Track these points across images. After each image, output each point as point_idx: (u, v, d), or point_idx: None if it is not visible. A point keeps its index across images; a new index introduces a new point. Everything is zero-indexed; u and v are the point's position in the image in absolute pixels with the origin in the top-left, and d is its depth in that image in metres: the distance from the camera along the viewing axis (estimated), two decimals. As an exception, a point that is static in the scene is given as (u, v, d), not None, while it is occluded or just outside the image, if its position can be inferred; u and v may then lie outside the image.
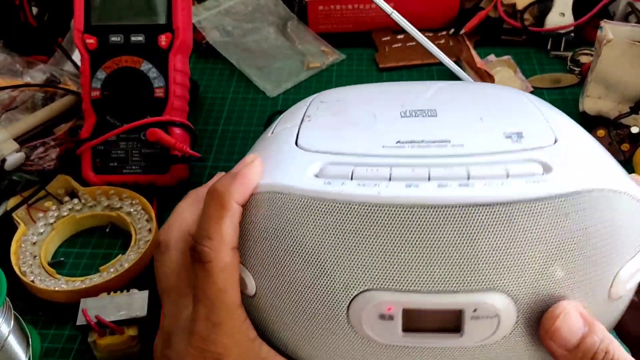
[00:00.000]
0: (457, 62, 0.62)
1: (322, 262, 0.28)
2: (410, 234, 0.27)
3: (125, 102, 0.52)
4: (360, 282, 0.27)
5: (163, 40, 0.52)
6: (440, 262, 0.26)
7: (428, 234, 0.26)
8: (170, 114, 0.52)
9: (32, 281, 0.45)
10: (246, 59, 0.68)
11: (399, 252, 0.27)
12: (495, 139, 0.31)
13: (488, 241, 0.26)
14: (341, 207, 0.27)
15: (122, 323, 0.39)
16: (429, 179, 0.28)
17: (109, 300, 0.41)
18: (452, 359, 0.29)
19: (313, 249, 0.28)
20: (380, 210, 0.27)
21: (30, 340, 0.41)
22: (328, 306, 0.28)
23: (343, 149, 0.31)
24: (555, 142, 0.30)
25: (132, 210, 0.50)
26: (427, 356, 0.29)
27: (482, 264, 0.26)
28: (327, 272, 0.28)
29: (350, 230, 0.27)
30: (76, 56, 0.63)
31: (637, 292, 0.32)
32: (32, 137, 0.54)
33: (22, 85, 0.58)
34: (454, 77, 0.59)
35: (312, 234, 0.28)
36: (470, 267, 0.26)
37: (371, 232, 0.27)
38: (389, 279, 0.27)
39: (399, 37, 0.71)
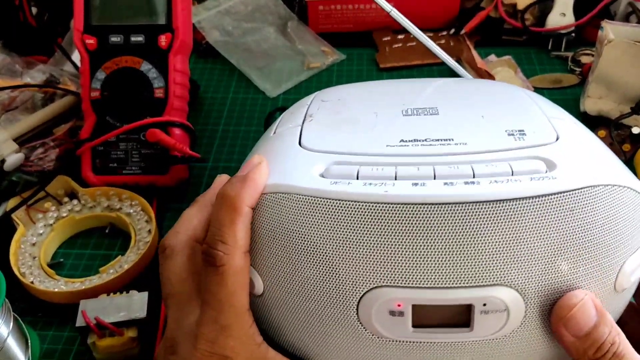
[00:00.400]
0: (458, 62, 0.62)
1: (331, 261, 0.28)
2: (418, 231, 0.27)
3: (125, 102, 0.52)
4: (369, 279, 0.27)
5: (163, 40, 0.52)
6: (449, 259, 0.27)
7: (436, 231, 0.27)
8: (170, 114, 0.52)
9: (32, 282, 0.45)
10: (246, 59, 0.68)
11: (407, 249, 0.27)
12: (498, 137, 0.31)
13: (495, 237, 0.27)
14: (348, 206, 0.28)
15: (122, 324, 0.39)
16: (434, 177, 0.28)
17: (109, 302, 0.40)
18: (461, 354, 0.29)
19: (321, 248, 0.28)
20: (388, 208, 0.27)
21: (29, 341, 0.41)
22: (338, 304, 0.28)
23: (347, 149, 0.31)
24: (557, 139, 0.31)
25: (131, 211, 0.50)
26: (436, 351, 0.29)
27: (490, 259, 0.27)
28: (336, 270, 0.28)
29: (359, 228, 0.27)
30: (76, 56, 0.63)
31: (636, 296, 0.32)
32: (32, 137, 0.54)
33: (22, 85, 0.58)
34: (454, 76, 0.59)
35: (320, 234, 0.28)
36: (478, 263, 0.27)
37: (379, 230, 0.27)
38: (398, 276, 0.27)
39: (400, 37, 0.71)
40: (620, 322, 0.31)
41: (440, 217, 0.27)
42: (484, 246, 0.27)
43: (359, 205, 0.27)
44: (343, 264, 0.28)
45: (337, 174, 0.29)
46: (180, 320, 0.31)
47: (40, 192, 0.50)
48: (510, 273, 0.27)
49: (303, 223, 0.28)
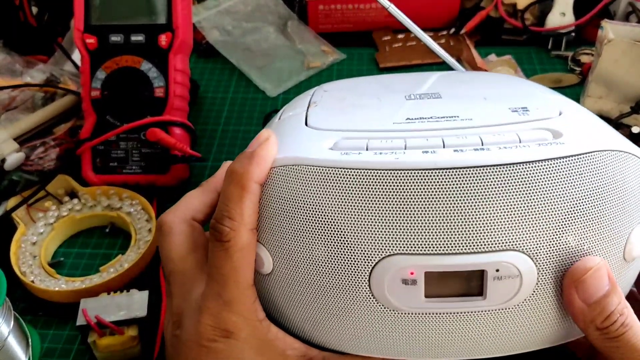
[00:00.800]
0: (458, 62, 0.62)
1: (342, 231, 0.28)
2: (430, 197, 0.27)
3: (125, 102, 0.52)
4: (381, 248, 0.27)
5: (163, 40, 0.52)
6: (460, 224, 0.27)
7: (447, 197, 0.27)
8: (170, 113, 0.52)
9: (32, 281, 0.45)
10: (246, 58, 0.68)
11: (418, 216, 0.27)
12: (502, 113, 0.31)
13: (506, 202, 0.27)
14: (360, 174, 0.28)
15: (122, 323, 0.39)
16: (444, 146, 0.28)
17: (109, 301, 0.41)
18: (474, 325, 0.29)
19: (333, 219, 0.28)
20: (399, 175, 0.27)
21: (30, 340, 0.41)
22: (350, 276, 0.28)
23: (354, 127, 0.31)
24: (560, 114, 0.31)
25: (132, 210, 0.50)
26: (449, 323, 0.29)
27: (502, 224, 0.27)
28: (347, 240, 0.28)
29: (370, 197, 0.27)
30: (76, 56, 0.63)
31: (636, 285, 0.32)
32: (32, 137, 0.54)
33: (22, 85, 0.58)
34: (454, 76, 0.59)
35: (331, 204, 0.28)
36: (490, 228, 0.27)
37: (390, 197, 0.27)
38: (410, 244, 0.27)
39: (399, 36, 0.71)
40: None
41: (451, 182, 0.27)
42: (496, 211, 0.27)
43: (371, 173, 0.27)
44: (355, 233, 0.28)
45: (346, 146, 0.29)
46: (185, 295, 0.31)
47: (40, 191, 0.50)
48: (522, 238, 0.27)
49: (313, 194, 0.28)
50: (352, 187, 0.28)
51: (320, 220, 0.28)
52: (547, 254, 0.27)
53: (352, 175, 0.28)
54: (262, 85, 0.65)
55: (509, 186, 0.27)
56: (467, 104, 0.33)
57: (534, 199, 0.27)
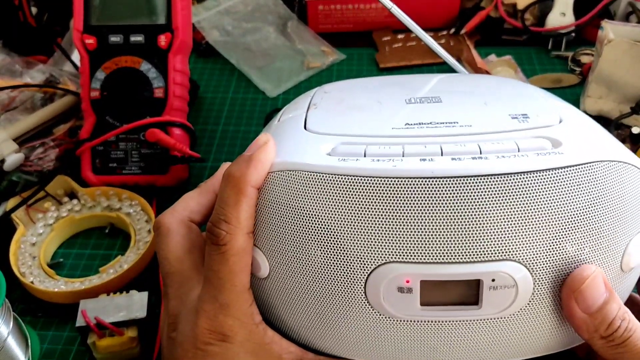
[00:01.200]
0: (458, 62, 0.62)
1: (339, 238, 0.28)
2: (427, 205, 0.27)
3: (125, 102, 0.52)
4: (377, 255, 0.27)
5: (162, 40, 0.52)
6: (457, 233, 0.27)
7: (444, 205, 0.27)
8: (170, 114, 0.52)
9: (32, 282, 0.45)
10: (246, 58, 0.68)
11: (416, 224, 0.27)
12: (502, 120, 0.31)
13: (503, 212, 0.27)
14: (357, 181, 0.28)
15: (122, 324, 0.39)
16: (441, 154, 0.28)
17: (109, 302, 0.40)
18: (469, 334, 0.29)
19: (329, 225, 0.28)
20: (397, 183, 0.27)
21: (29, 341, 0.41)
22: (345, 282, 0.28)
23: (353, 131, 0.31)
24: (561, 121, 0.31)
25: (131, 211, 0.50)
26: (444, 331, 0.29)
27: (499, 233, 0.27)
28: (344, 247, 0.28)
29: (367, 204, 0.27)
30: (75, 56, 0.63)
31: (637, 286, 0.32)
32: (32, 137, 0.54)
33: (22, 85, 0.58)
34: (454, 77, 0.59)
35: (328, 210, 0.28)
36: (487, 237, 0.27)
37: (388, 205, 0.27)
38: (406, 251, 0.27)
39: (399, 37, 0.71)
40: None
41: (448, 190, 0.27)
42: (493, 220, 0.27)
43: (368, 180, 0.27)
44: (351, 240, 0.28)
45: (344, 152, 0.29)
46: (182, 297, 0.31)
47: (40, 192, 0.50)
48: (518, 248, 0.27)
49: (311, 200, 0.28)
50: (349, 194, 0.28)
51: (317, 226, 0.28)
52: (544, 264, 0.27)
53: (349, 182, 0.28)
54: (262, 86, 0.65)
55: (506, 196, 0.27)
56: (467, 109, 0.33)
57: (530, 210, 0.27)
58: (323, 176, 0.28)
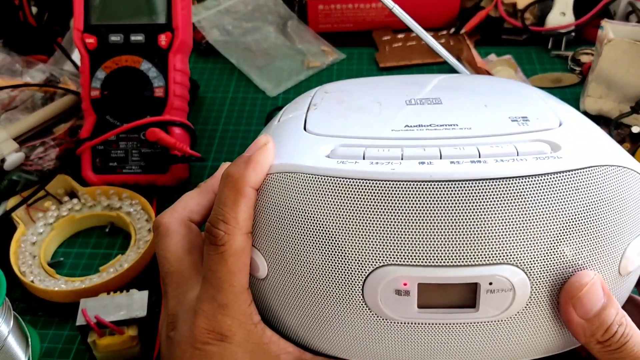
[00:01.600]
0: (458, 62, 0.62)
1: (337, 240, 0.28)
2: (425, 209, 0.27)
3: (125, 101, 0.52)
4: (375, 258, 0.27)
5: (163, 39, 0.52)
6: (455, 236, 0.27)
7: (442, 209, 0.27)
8: (170, 113, 0.52)
9: (32, 281, 0.45)
10: (246, 58, 0.68)
11: (414, 227, 0.27)
12: (502, 123, 0.31)
13: (501, 215, 0.27)
14: (355, 184, 0.28)
15: (122, 323, 0.39)
16: (440, 157, 0.28)
17: (109, 301, 0.40)
18: (465, 337, 0.29)
19: (327, 227, 0.28)
20: (395, 186, 0.27)
21: (29, 340, 0.41)
22: (343, 284, 0.28)
23: (352, 133, 0.31)
24: (560, 125, 0.31)
25: (131, 210, 0.50)
26: (441, 334, 0.29)
27: (496, 237, 0.27)
28: (342, 249, 0.28)
29: (365, 206, 0.27)
30: (76, 56, 0.63)
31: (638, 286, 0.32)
32: (32, 137, 0.54)
33: (22, 85, 0.58)
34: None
35: (327, 212, 0.28)
36: (484, 241, 0.27)
37: (386, 208, 0.27)
38: (404, 254, 0.27)
39: (399, 36, 0.71)
40: None
41: (447, 194, 0.27)
42: (490, 224, 0.27)
43: (366, 183, 0.27)
44: (349, 243, 0.28)
45: (343, 154, 0.29)
46: (180, 296, 0.31)
47: (40, 191, 0.50)
48: (516, 252, 0.27)
49: (309, 202, 0.28)
50: (347, 197, 0.28)
51: (315, 228, 0.28)
52: (541, 268, 0.27)
53: (348, 184, 0.28)
54: (262, 85, 0.65)
55: (504, 200, 0.27)
56: (468, 111, 0.33)
57: (528, 214, 0.27)
58: (321, 178, 0.28)
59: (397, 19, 0.53)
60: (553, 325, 0.29)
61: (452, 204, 0.27)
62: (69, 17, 0.66)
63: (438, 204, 0.27)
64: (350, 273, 0.28)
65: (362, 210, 0.27)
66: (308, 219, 0.28)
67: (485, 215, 0.27)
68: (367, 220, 0.27)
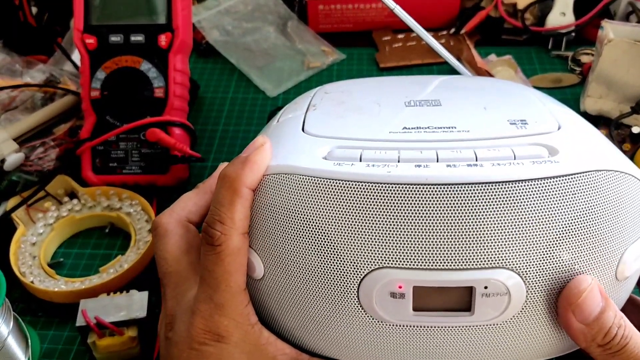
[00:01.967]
0: (458, 62, 0.62)
1: (332, 242, 0.28)
2: (420, 212, 0.27)
3: (125, 102, 0.52)
4: (370, 260, 0.27)
5: (163, 40, 0.52)
6: (451, 240, 0.27)
7: (438, 212, 0.27)
8: (170, 114, 0.52)
9: (32, 282, 0.45)
10: (246, 58, 0.68)
11: (409, 230, 0.27)
12: (500, 126, 0.31)
13: (497, 219, 0.27)
14: (351, 186, 0.28)
15: (122, 324, 0.39)
16: (437, 160, 0.28)
17: (109, 301, 0.40)
18: (461, 340, 0.29)
19: (323, 229, 0.28)
20: (391, 189, 0.27)
21: (29, 341, 0.41)
22: (338, 286, 0.28)
23: (350, 134, 0.31)
24: (559, 128, 0.31)
25: (131, 210, 0.50)
26: (436, 337, 0.29)
27: (492, 241, 0.27)
28: (337, 251, 0.28)
29: (361, 209, 0.27)
30: (76, 56, 0.63)
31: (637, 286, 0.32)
32: (32, 137, 0.54)
33: (22, 85, 0.58)
34: (455, 75, 0.59)
35: (323, 214, 0.28)
36: (480, 245, 0.27)
37: (381, 210, 0.27)
38: (399, 257, 0.27)
39: (400, 36, 0.71)
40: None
41: (442, 198, 0.27)
42: (486, 228, 0.27)
43: (362, 185, 0.27)
44: (345, 245, 0.28)
45: (340, 156, 0.29)
46: (178, 297, 0.31)
47: (40, 191, 0.50)
48: (512, 256, 0.27)
49: (305, 204, 0.28)
50: (343, 199, 0.28)
51: (311, 230, 0.28)
52: (537, 272, 0.27)
53: (344, 187, 0.28)
54: (262, 85, 0.65)
55: (500, 204, 0.27)
56: (466, 113, 0.33)
57: (524, 218, 0.27)
58: (317, 180, 0.28)
59: (397, 19, 0.53)
60: (549, 329, 0.29)
61: (448, 207, 0.27)
62: (69, 17, 0.66)
63: (434, 207, 0.27)
64: (346, 275, 0.28)
65: (358, 213, 0.27)
66: (304, 221, 0.28)
67: (480, 218, 0.27)
68: (362, 222, 0.27)
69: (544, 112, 0.33)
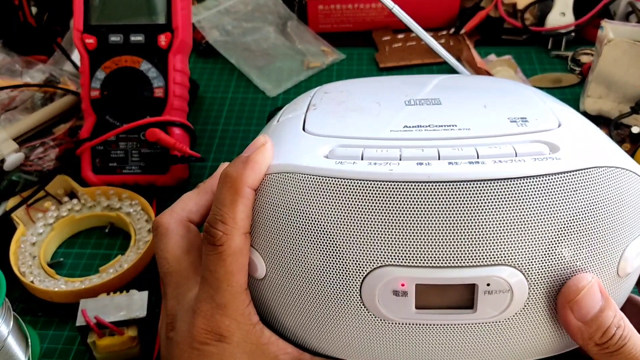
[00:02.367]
0: (458, 62, 0.62)
1: (334, 241, 0.28)
2: (422, 209, 0.27)
3: (125, 102, 0.52)
4: (373, 258, 0.27)
5: (163, 40, 0.52)
6: (453, 237, 0.27)
7: (440, 210, 0.27)
8: (170, 114, 0.52)
9: (32, 282, 0.45)
10: (246, 58, 0.68)
11: (411, 228, 0.27)
12: (501, 124, 0.31)
13: (499, 217, 0.27)
14: (353, 184, 0.28)
15: (122, 324, 0.39)
16: (439, 158, 0.28)
17: (109, 301, 0.40)
18: (464, 338, 0.29)
19: (325, 228, 0.28)
20: (393, 187, 0.27)
21: (29, 340, 0.41)
22: (341, 284, 0.28)
23: (351, 133, 0.31)
24: (560, 125, 0.31)
25: (131, 210, 0.50)
26: (439, 334, 0.29)
27: (494, 239, 0.27)
28: (339, 250, 0.28)
29: (363, 207, 0.27)
30: (76, 56, 0.63)
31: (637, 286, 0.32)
32: (32, 137, 0.54)
33: (22, 85, 0.58)
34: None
35: (325, 213, 0.28)
36: (482, 242, 0.27)
37: (384, 208, 0.27)
38: (402, 255, 0.27)
39: (399, 36, 0.71)
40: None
41: (444, 195, 0.27)
42: (488, 225, 0.27)
43: (364, 183, 0.27)
44: (347, 243, 0.28)
45: (341, 155, 0.29)
46: (179, 297, 0.31)
47: (40, 191, 0.50)
48: (514, 253, 0.27)
49: (307, 202, 0.28)
50: (345, 197, 0.28)
51: (313, 229, 0.28)
52: (539, 269, 0.27)
53: (346, 185, 0.28)
54: (262, 85, 0.65)
55: (502, 201, 0.27)
56: (467, 112, 0.33)
57: (526, 215, 0.27)
58: (319, 179, 0.28)
59: (397, 19, 0.53)
60: (551, 326, 0.29)
61: (450, 204, 0.27)
62: (69, 17, 0.66)
63: (436, 204, 0.27)
64: (348, 273, 0.28)
65: (360, 211, 0.27)
66: (306, 220, 0.28)
67: (483, 216, 0.27)
68: (365, 220, 0.27)
69: (544, 110, 0.33)
